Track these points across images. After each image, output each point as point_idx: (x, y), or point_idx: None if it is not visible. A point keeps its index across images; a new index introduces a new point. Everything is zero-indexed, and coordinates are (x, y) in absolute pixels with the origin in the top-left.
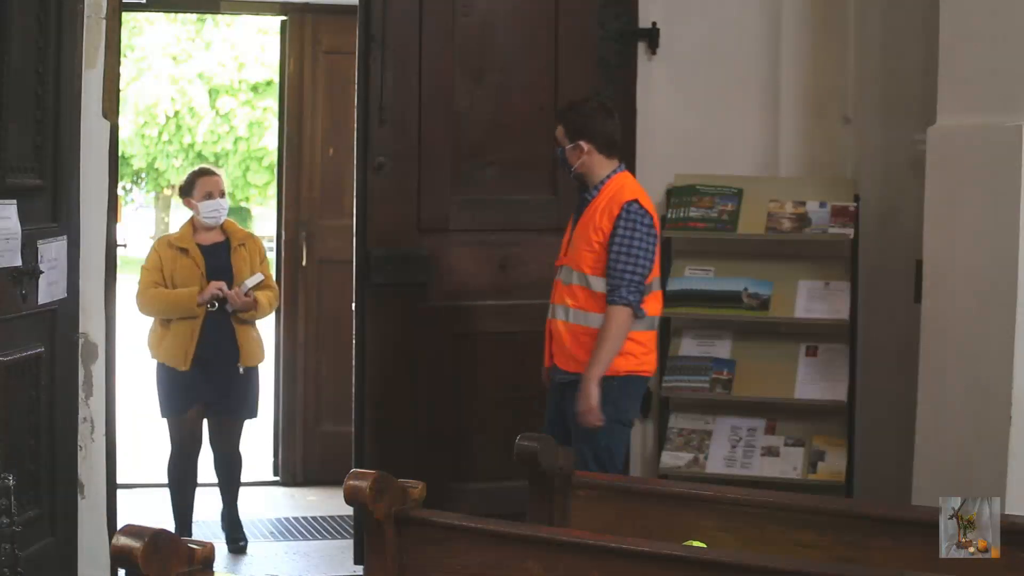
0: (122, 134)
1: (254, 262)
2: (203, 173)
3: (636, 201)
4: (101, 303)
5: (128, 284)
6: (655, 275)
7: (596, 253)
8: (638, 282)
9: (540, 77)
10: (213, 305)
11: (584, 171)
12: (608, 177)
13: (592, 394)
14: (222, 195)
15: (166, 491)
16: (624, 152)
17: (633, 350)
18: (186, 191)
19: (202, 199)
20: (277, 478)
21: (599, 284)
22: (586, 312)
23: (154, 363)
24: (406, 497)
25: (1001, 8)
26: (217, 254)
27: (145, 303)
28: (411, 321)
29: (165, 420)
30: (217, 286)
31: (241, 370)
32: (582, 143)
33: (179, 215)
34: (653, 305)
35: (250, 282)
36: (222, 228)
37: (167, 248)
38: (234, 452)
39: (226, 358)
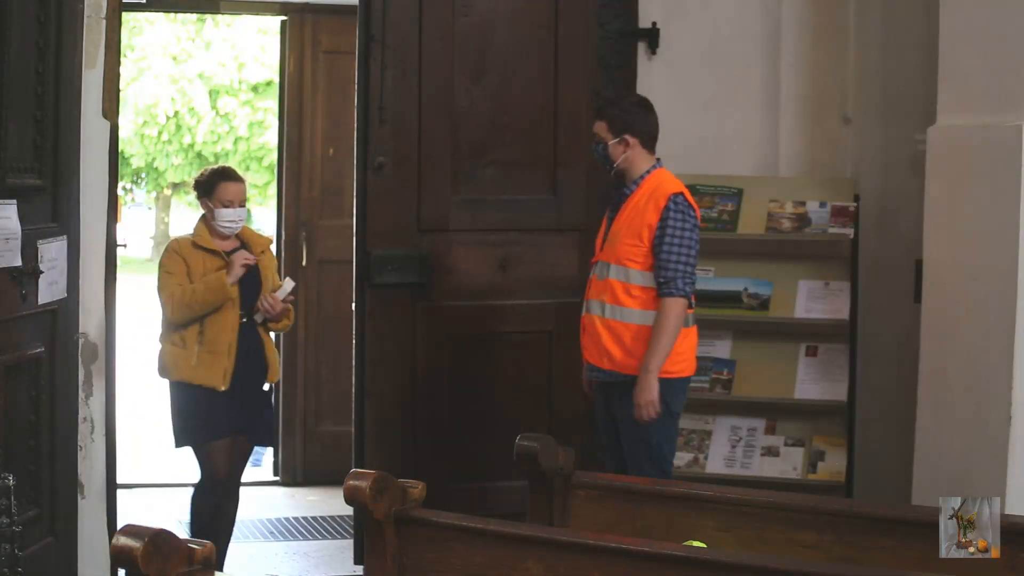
0: (122, 134)
1: (274, 269)
2: (225, 177)
3: (682, 194)
4: (101, 303)
5: (128, 284)
6: None
7: (643, 247)
8: (691, 273)
9: (540, 77)
10: (244, 317)
11: (626, 166)
12: (648, 172)
13: (652, 387)
14: (242, 204)
15: (166, 491)
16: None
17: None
18: (205, 190)
19: (220, 206)
20: (277, 478)
21: (639, 278)
22: (623, 308)
23: (165, 386)
24: (406, 497)
25: (1001, 8)
26: None
27: (181, 306)
28: (411, 321)
29: (191, 449)
30: (244, 257)
31: (267, 387)
32: (628, 137)
33: (179, 215)
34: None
35: (288, 287)
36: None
37: (191, 249)
38: (238, 489)
39: (255, 374)
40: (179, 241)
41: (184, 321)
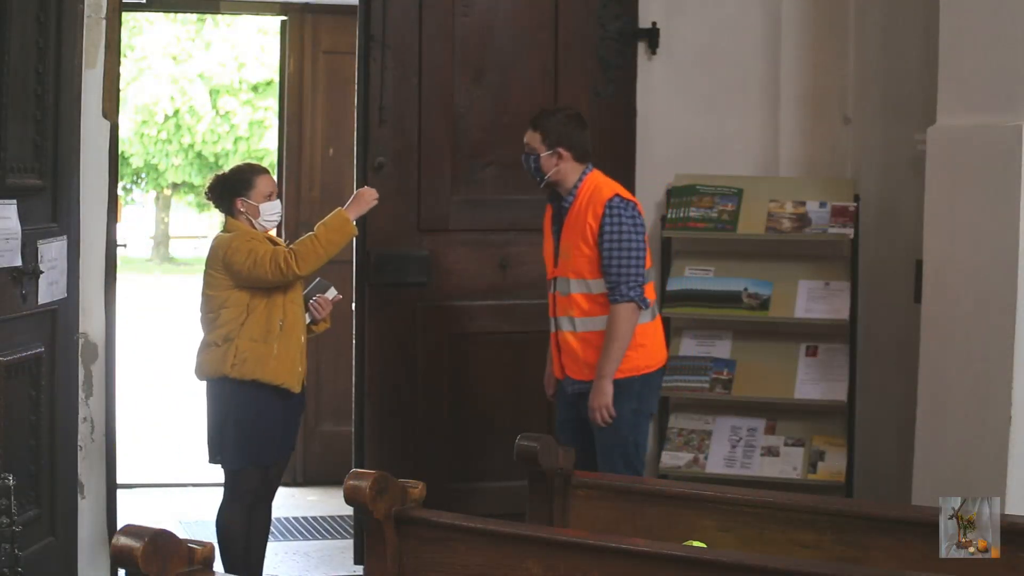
0: (122, 134)
1: None
2: (260, 170)
3: (617, 195)
4: (101, 303)
5: (128, 284)
6: (648, 264)
7: (589, 256)
8: (635, 275)
9: (540, 77)
10: (307, 316)
11: (559, 178)
12: (580, 179)
13: (607, 391)
14: (277, 196)
15: (166, 491)
16: (624, 152)
17: (637, 346)
18: (240, 188)
19: (264, 200)
20: None
21: (599, 286)
22: (593, 318)
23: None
24: (406, 497)
25: (1001, 8)
26: None
27: (301, 258)
28: (411, 321)
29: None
30: (374, 195)
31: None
32: (561, 150)
33: (178, 215)
34: (649, 293)
35: (332, 289)
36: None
37: (261, 238)
38: (271, 504)
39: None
40: (244, 233)
41: (314, 267)
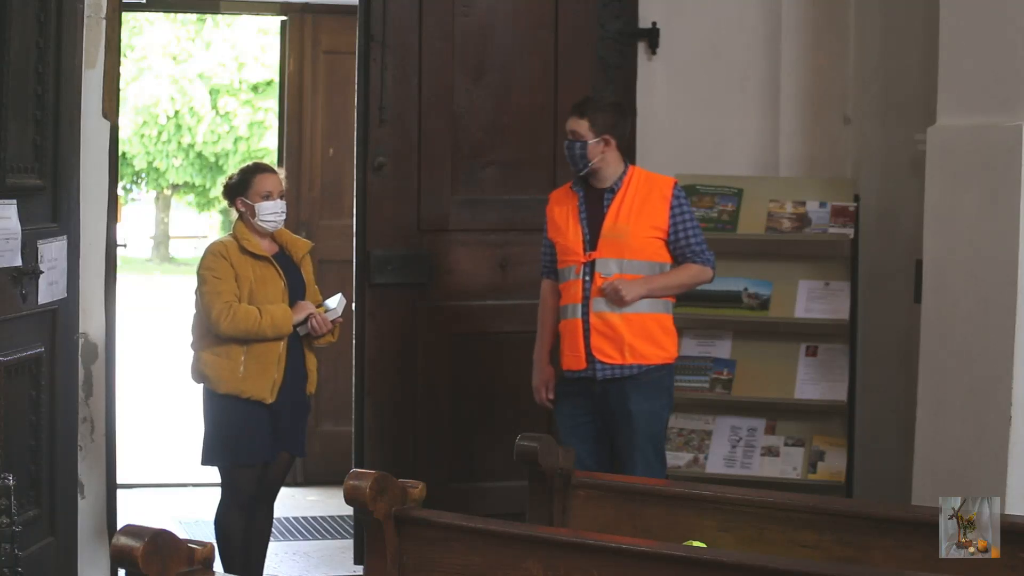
0: (122, 134)
1: (313, 275)
2: (259, 169)
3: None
4: (101, 303)
5: (128, 284)
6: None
7: (662, 239)
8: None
9: (540, 77)
10: (303, 329)
11: (602, 166)
12: (626, 171)
13: (637, 292)
14: (282, 196)
15: (166, 491)
16: (624, 152)
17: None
18: (238, 190)
19: (260, 200)
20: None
21: (660, 270)
22: (654, 300)
23: (200, 397)
24: (406, 497)
25: (1001, 8)
26: (285, 266)
27: (235, 322)
28: (411, 321)
29: (218, 468)
30: (308, 309)
31: (308, 398)
32: (607, 137)
33: (178, 215)
34: None
35: (339, 308)
36: (273, 236)
37: (240, 255)
38: (273, 504)
39: (297, 385)
40: (224, 244)
41: (233, 336)
